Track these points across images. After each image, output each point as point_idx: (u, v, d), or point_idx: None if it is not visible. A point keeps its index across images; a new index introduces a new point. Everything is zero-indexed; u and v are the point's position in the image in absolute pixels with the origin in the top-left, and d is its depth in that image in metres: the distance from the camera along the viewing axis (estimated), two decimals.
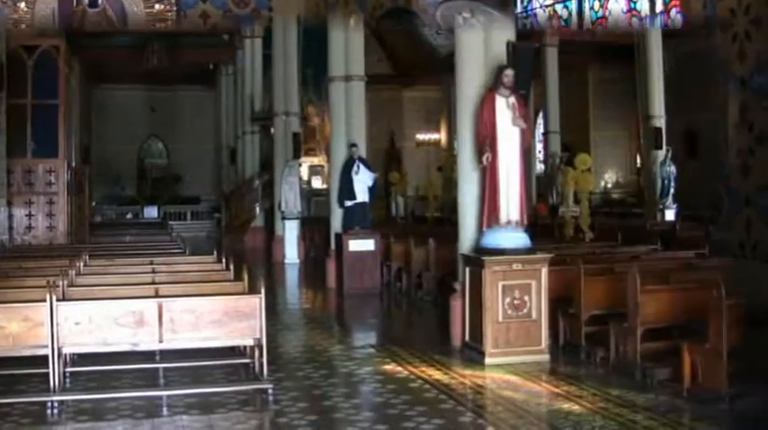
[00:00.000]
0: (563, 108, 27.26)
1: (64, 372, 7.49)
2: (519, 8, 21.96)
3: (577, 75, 30.74)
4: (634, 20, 21.66)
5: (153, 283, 8.59)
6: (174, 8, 19.62)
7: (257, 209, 26.63)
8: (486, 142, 8.84)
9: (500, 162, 8.80)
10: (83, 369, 8.08)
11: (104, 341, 7.11)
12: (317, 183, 30.72)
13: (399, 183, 28.33)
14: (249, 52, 27.09)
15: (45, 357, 6.96)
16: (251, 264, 19.48)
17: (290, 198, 20.16)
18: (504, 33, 9.49)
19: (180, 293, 7.79)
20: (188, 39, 28.80)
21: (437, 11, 9.78)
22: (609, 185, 31.81)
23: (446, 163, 31.92)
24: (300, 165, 24.60)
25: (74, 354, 7.96)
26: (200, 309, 7.26)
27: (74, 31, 22.78)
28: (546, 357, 8.75)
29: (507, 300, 8.68)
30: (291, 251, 20.37)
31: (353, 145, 15.28)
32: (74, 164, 19.96)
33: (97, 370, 8.08)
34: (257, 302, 7.36)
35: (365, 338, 11.12)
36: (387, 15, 25.16)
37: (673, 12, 20.62)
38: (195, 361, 8.27)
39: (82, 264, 10.02)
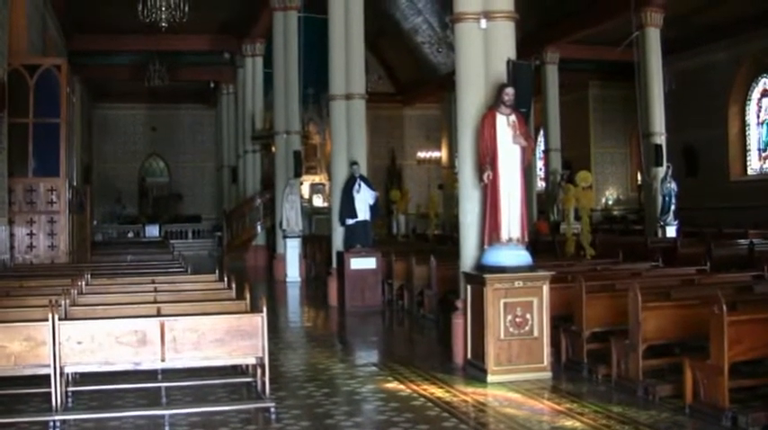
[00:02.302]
0: (564, 125, 27.36)
1: (66, 392, 7.49)
2: None
3: (578, 92, 30.87)
4: None
5: (155, 302, 8.58)
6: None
7: (258, 227, 26.69)
8: (486, 160, 8.87)
9: (501, 180, 8.84)
10: (85, 388, 8.08)
11: (106, 360, 7.10)
12: (319, 201, 30.78)
13: (400, 200, 28.37)
14: (250, 71, 27.25)
15: (47, 376, 6.95)
16: (252, 282, 19.49)
17: (291, 216, 20.20)
18: (504, 51, 9.53)
19: (182, 312, 7.78)
20: (189, 57, 29.01)
21: None
22: (610, 202, 31.88)
23: (447, 181, 32.06)
24: (302, 183, 24.68)
25: (76, 374, 7.96)
26: (202, 327, 7.25)
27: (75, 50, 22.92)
28: (548, 374, 8.74)
29: (509, 317, 8.69)
30: (293, 269, 20.40)
31: (354, 163, 15.32)
32: (75, 182, 19.97)
33: (99, 389, 8.08)
34: (259, 321, 7.36)
35: (367, 356, 11.10)
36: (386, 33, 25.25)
37: None
38: (197, 380, 8.29)
39: (84, 283, 10.01)
